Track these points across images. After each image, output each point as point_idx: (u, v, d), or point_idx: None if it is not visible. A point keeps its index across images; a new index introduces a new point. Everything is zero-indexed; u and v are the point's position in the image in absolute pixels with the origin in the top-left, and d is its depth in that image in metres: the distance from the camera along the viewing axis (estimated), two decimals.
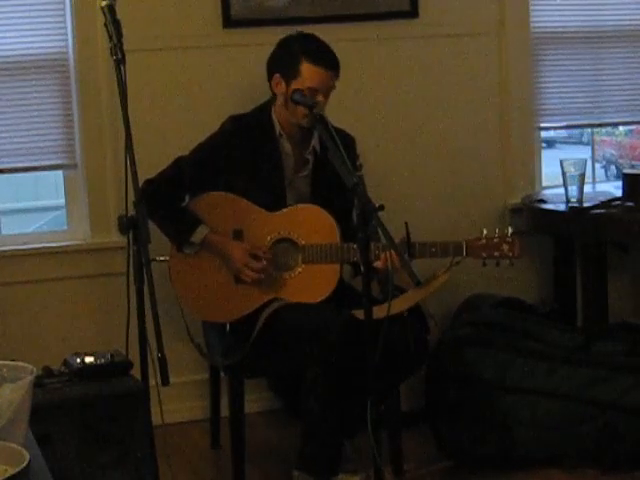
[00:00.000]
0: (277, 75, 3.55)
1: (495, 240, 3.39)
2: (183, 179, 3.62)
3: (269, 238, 3.57)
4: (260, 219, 3.57)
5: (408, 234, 3.35)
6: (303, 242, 3.54)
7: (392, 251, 3.14)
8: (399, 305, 3.39)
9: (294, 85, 3.48)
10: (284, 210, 3.58)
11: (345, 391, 3.34)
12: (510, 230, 3.40)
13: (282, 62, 3.55)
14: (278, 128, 3.60)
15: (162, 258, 3.63)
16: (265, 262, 3.52)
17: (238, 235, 3.58)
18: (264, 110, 3.64)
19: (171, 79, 4.18)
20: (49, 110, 4.10)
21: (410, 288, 3.45)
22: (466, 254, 3.40)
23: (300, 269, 3.55)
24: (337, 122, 3.45)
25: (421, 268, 3.40)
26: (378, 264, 3.36)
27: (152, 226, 3.55)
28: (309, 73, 3.48)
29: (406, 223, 3.32)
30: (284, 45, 3.61)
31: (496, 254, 3.39)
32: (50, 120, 4.11)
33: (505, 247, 3.39)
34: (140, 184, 2.66)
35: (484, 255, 3.39)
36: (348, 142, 3.69)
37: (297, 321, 3.41)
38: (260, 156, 3.59)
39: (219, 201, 3.61)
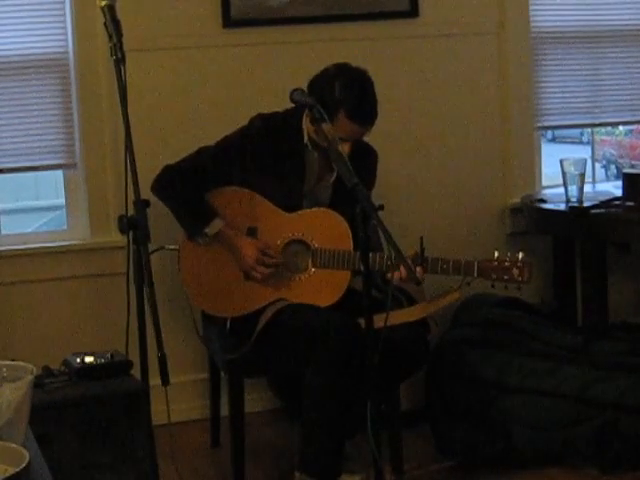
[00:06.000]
0: (308, 111, 3.33)
1: (506, 263, 3.39)
2: (204, 169, 3.60)
3: (282, 238, 3.56)
4: (276, 218, 3.57)
5: (422, 248, 3.34)
6: (316, 245, 3.53)
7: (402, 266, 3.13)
8: (405, 317, 3.39)
9: (323, 127, 3.17)
10: (301, 212, 3.57)
11: (345, 392, 3.34)
12: (521, 255, 3.40)
13: (319, 102, 3.22)
14: (306, 137, 3.55)
15: (172, 247, 3.63)
16: (276, 260, 3.52)
17: (252, 232, 3.57)
18: (296, 115, 3.55)
19: (171, 79, 4.18)
20: (49, 110, 4.10)
21: (418, 294, 3.46)
22: (477, 274, 3.40)
23: (310, 272, 3.54)
24: None
25: (430, 282, 3.41)
26: (389, 276, 3.35)
27: (163, 214, 3.58)
28: (344, 125, 3.37)
29: (421, 238, 3.31)
30: (327, 84, 3.41)
31: (505, 277, 3.38)
32: (50, 120, 4.11)
33: (515, 272, 3.38)
34: (142, 183, 2.66)
35: (494, 277, 3.39)
36: (371, 155, 3.70)
37: (298, 321, 3.41)
38: (283, 161, 3.56)
39: (237, 196, 3.60)
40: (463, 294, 3.96)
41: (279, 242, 3.57)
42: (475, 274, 3.39)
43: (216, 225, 3.53)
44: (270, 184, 3.57)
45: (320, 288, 3.51)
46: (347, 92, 3.40)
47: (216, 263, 3.58)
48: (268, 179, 3.57)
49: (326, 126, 3.13)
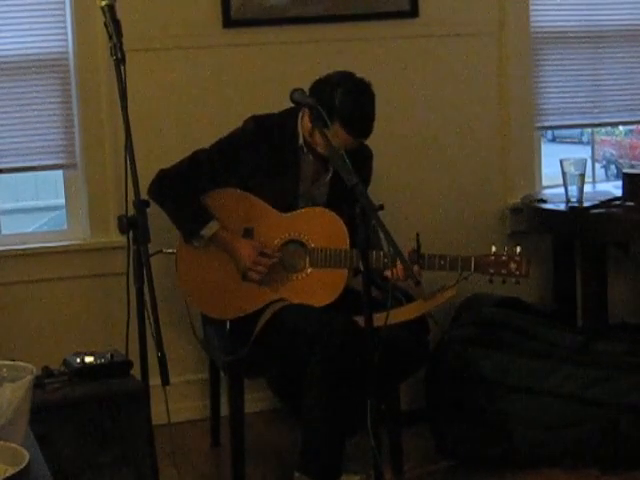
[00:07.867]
0: (307, 111, 3.39)
1: (503, 258, 3.40)
2: (199, 172, 3.59)
3: (279, 238, 3.56)
4: (272, 219, 3.57)
5: (419, 245, 3.35)
6: (312, 245, 3.53)
7: (398, 262, 3.14)
8: (403, 315, 3.39)
9: (320, 131, 3.23)
10: (297, 212, 3.57)
11: (346, 392, 3.34)
12: (519, 249, 3.41)
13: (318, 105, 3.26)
14: (301, 139, 3.55)
15: (169, 250, 3.63)
16: (274, 259, 3.51)
17: (249, 233, 3.57)
18: (290, 116, 3.56)
19: (171, 79, 4.18)
20: (49, 110, 4.10)
21: (417, 292, 3.46)
22: (474, 269, 3.41)
23: (307, 272, 3.54)
24: None
25: (428, 279, 3.41)
26: (388, 274, 3.35)
27: (161, 218, 3.58)
28: (338, 134, 3.37)
29: (417, 234, 3.32)
30: (328, 90, 3.40)
31: (503, 272, 3.40)
32: (50, 120, 4.11)
33: (513, 266, 3.40)
34: (141, 183, 2.66)
35: (491, 271, 3.41)
36: (366, 154, 3.70)
37: (298, 322, 3.41)
38: (278, 162, 3.56)
39: (233, 198, 3.60)
40: (462, 293, 3.98)
41: (276, 242, 3.57)
42: (472, 269, 3.41)
43: (212, 227, 3.53)
44: (265, 186, 3.57)
45: (318, 287, 3.51)
46: (346, 102, 3.39)
47: (213, 265, 3.57)
48: (263, 181, 3.57)
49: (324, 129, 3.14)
